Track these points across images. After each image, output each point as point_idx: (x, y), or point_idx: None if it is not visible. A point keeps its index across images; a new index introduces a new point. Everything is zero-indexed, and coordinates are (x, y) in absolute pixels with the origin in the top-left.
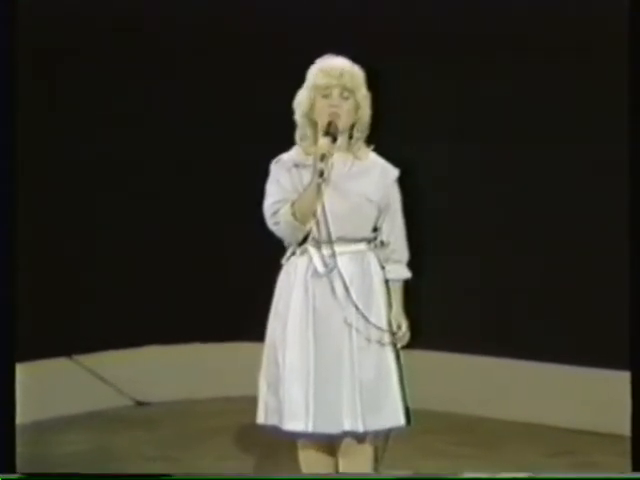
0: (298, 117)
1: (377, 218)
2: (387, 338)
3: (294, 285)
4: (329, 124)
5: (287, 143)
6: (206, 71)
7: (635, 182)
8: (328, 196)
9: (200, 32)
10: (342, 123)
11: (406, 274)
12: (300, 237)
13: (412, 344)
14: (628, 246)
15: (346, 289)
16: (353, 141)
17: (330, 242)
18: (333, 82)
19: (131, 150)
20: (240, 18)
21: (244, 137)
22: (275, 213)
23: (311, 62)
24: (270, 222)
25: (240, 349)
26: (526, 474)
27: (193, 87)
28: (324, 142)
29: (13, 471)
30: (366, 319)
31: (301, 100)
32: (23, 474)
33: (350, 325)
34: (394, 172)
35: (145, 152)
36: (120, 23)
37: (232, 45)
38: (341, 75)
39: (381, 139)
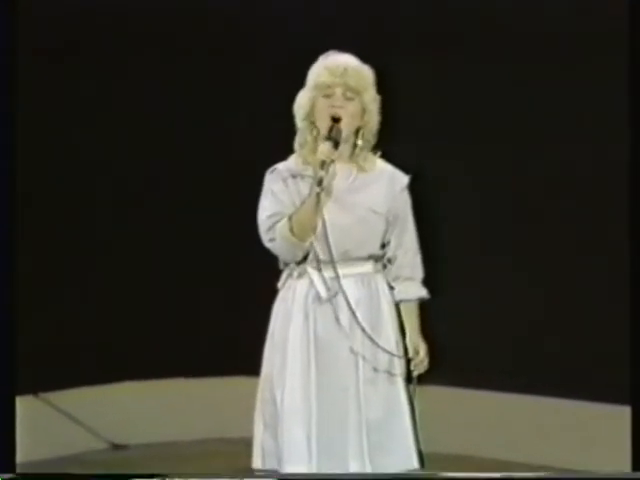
0: (298, 121)
1: (385, 232)
2: (398, 369)
3: (292, 312)
4: (331, 128)
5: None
6: (207, 71)
7: (635, 182)
8: (329, 210)
9: (201, 32)
10: (345, 126)
11: (421, 293)
12: (299, 256)
13: (425, 379)
14: (628, 246)
15: (352, 313)
16: (357, 150)
17: (332, 262)
18: (336, 80)
19: (131, 150)
20: (240, 18)
21: (245, 141)
22: (270, 228)
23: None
24: (265, 238)
25: (231, 384)
26: (526, 474)
27: (194, 87)
28: (325, 148)
29: (13, 471)
30: (375, 348)
31: (301, 102)
32: (20, 474)
33: (356, 356)
34: (403, 179)
35: (145, 152)
36: (121, 23)
37: (234, 45)
38: (345, 72)
39: (389, 144)
